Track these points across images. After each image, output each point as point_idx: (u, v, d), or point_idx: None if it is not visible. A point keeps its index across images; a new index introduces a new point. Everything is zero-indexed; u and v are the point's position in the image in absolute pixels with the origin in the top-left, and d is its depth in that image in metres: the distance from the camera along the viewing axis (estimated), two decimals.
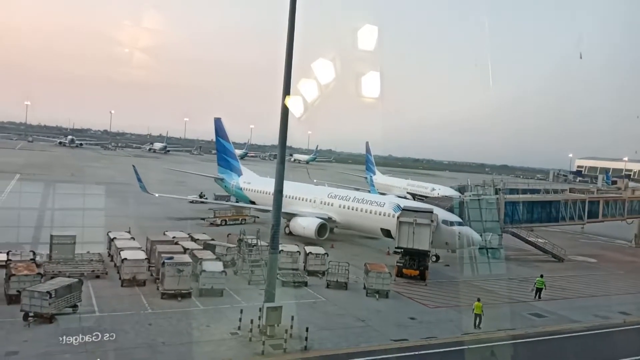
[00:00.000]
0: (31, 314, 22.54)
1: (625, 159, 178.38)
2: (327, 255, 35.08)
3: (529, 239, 48.01)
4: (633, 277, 43.94)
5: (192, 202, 57.40)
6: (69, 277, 26.14)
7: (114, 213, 45.94)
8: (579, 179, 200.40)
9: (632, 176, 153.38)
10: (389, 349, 23.52)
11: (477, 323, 27.00)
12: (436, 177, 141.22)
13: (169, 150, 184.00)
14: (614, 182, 78.21)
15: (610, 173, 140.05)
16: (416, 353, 23.37)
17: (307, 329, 22.77)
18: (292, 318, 23.25)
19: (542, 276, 34.55)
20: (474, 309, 27.21)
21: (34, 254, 30.23)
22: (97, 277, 29.54)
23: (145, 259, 29.62)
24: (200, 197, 59.72)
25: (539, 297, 33.41)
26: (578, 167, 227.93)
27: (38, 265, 28.09)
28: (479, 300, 27.65)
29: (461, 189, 67.50)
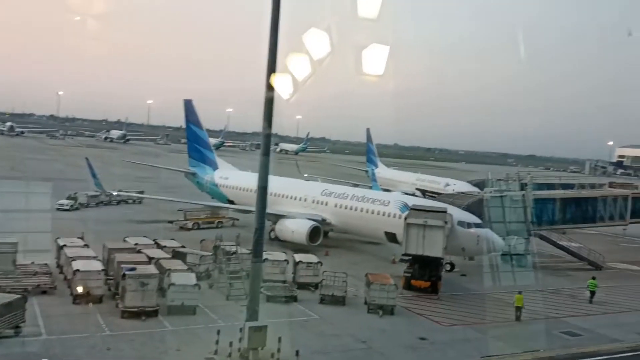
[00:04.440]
0: None
1: None
2: (321, 265, 35.14)
3: (561, 243, 48.42)
4: None
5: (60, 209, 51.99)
6: (9, 292, 25.98)
7: (64, 215, 45.76)
8: (620, 171, 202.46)
9: None
10: None
11: (518, 316, 31.12)
12: (451, 170, 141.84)
13: (129, 139, 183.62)
14: None
15: None
16: None
17: (297, 353, 22.89)
18: (280, 340, 23.28)
19: (594, 278, 38.45)
20: (514, 302, 31.40)
21: None
22: (44, 292, 29.42)
23: (102, 270, 29.50)
24: (71, 198, 54.15)
25: (591, 301, 37.17)
26: (619, 157, 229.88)
27: None
28: (520, 292, 31.88)
29: (480, 185, 67.77)
